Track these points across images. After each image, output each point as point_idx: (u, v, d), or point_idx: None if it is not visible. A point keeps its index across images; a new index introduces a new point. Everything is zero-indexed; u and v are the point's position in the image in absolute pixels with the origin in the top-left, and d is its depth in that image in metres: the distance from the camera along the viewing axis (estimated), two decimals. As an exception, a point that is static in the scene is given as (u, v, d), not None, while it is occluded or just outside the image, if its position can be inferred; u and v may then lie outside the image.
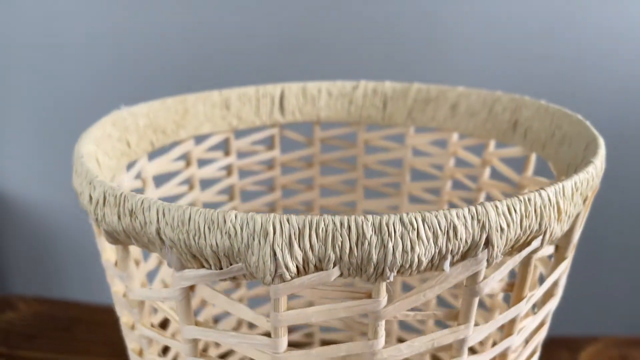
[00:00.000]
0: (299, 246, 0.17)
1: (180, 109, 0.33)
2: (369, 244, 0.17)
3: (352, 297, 0.19)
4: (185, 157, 0.35)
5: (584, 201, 0.21)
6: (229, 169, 0.37)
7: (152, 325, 0.23)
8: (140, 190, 0.32)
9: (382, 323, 0.19)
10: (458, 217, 0.18)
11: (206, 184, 0.36)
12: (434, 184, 0.37)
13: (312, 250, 0.17)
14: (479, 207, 0.18)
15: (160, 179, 0.33)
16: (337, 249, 0.17)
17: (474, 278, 0.19)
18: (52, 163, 0.72)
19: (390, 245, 0.17)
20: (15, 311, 0.52)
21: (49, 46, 0.63)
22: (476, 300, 0.19)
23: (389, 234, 0.17)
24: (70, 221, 0.76)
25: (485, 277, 0.19)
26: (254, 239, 0.17)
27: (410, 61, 0.61)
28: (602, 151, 0.23)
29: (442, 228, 0.17)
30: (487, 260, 0.18)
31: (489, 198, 0.35)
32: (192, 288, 0.20)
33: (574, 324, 0.63)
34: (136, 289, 0.22)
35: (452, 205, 0.37)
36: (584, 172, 0.21)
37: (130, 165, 0.30)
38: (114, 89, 0.64)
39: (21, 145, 0.74)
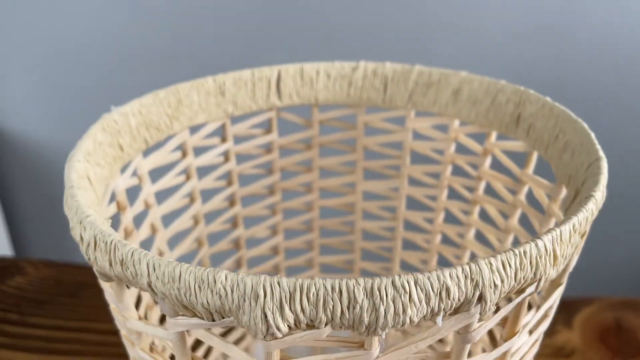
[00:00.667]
0: (290, 309, 0.17)
1: (173, 100, 0.32)
2: (361, 307, 0.17)
3: (345, 346, 0.19)
4: (181, 148, 0.34)
5: (582, 236, 0.21)
6: (226, 155, 0.36)
7: (152, 350, 0.23)
8: (137, 188, 0.32)
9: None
10: (451, 277, 0.17)
11: (204, 171, 0.36)
12: (434, 168, 0.37)
13: (304, 313, 0.17)
14: (473, 266, 0.18)
15: (157, 172, 0.33)
16: (329, 312, 0.17)
17: (466, 328, 0.19)
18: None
19: (382, 308, 0.17)
20: (24, 276, 0.53)
21: None
22: (468, 347, 0.20)
23: (381, 298, 0.17)
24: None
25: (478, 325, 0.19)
26: (244, 300, 0.17)
27: (411, 43, 0.59)
28: (604, 178, 0.22)
29: (435, 290, 0.17)
30: (480, 313, 0.18)
31: (489, 188, 0.34)
32: (187, 330, 0.20)
33: (569, 286, 0.64)
34: (133, 321, 0.22)
35: (451, 191, 0.37)
36: (583, 210, 0.20)
37: (125, 166, 0.30)
38: (115, 31, 0.63)
39: (31, 86, 0.73)
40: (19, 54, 0.73)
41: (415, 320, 0.18)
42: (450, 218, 0.37)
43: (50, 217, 0.92)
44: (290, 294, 0.17)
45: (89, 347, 0.45)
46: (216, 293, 0.18)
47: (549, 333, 0.48)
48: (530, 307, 0.23)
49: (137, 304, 0.31)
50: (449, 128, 0.35)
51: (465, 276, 0.17)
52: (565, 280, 0.23)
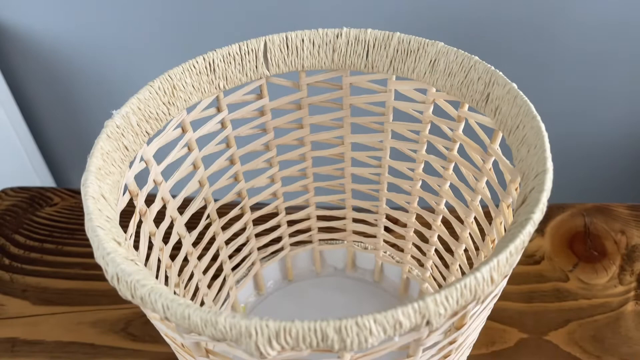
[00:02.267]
0: (277, 342, 0.22)
1: (167, 88, 0.35)
2: (332, 340, 0.22)
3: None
4: (180, 125, 0.37)
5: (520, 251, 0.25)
6: (222, 123, 0.39)
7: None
8: (145, 171, 0.35)
9: (349, 369, 0.25)
10: (403, 314, 0.22)
11: (203, 140, 0.39)
12: (414, 126, 0.40)
13: (288, 344, 0.22)
14: (421, 303, 0.22)
15: (161, 152, 0.36)
16: (307, 344, 0.22)
17: (418, 339, 0.24)
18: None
19: (349, 340, 0.22)
20: (53, 206, 0.59)
21: None
22: (421, 349, 0.25)
23: (347, 334, 0.22)
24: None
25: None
26: (241, 336, 0.22)
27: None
28: (545, 195, 0.26)
29: (390, 324, 0.22)
30: (429, 331, 0.23)
31: (462, 151, 0.37)
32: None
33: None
34: (157, 322, 0.27)
35: (430, 146, 0.40)
36: (520, 235, 0.24)
37: (132, 161, 0.33)
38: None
39: None
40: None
41: (376, 344, 0.23)
42: (429, 169, 0.41)
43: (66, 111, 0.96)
44: (276, 333, 0.22)
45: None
46: (218, 330, 0.22)
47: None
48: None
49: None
50: (428, 92, 0.37)
51: (415, 312, 0.22)
52: (508, 274, 0.28)
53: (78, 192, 0.60)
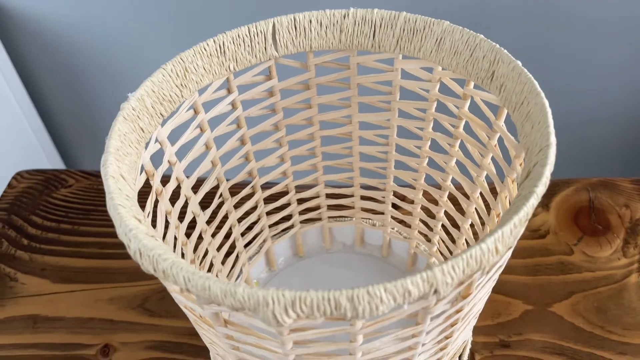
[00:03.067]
0: (293, 311, 0.23)
1: (180, 70, 0.36)
2: (345, 308, 0.23)
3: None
4: (192, 107, 0.38)
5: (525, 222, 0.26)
6: (233, 104, 0.40)
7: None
8: (160, 152, 0.36)
9: (360, 336, 0.26)
10: (412, 283, 0.23)
11: (215, 121, 0.40)
12: (421, 104, 0.41)
13: (303, 313, 0.24)
14: (429, 273, 0.23)
15: (174, 133, 0.37)
16: (321, 312, 0.23)
17: (426, 307, 0.25)
18: None
19: (360, 308, 0.23)
20: (68, 187, 0.60)
21: None
22: (429, 316, 0.26)
23: (359, 302, 0.23)
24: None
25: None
26: (258, 305, 0.23)
27: None
28: (548, 170, 0.27)
29: (400, 293, 0.23)
30: (437, 299, 0.24)
31: (468, 128, 0.38)
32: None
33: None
34: (176, 294, 0.29)
35: (437, 124, 0.41)
36: (524, 208, 0.25)
37: (147, 142, 0.35)
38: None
39: None
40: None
41: (386, 312, 0.24)
42: (436, 147, 0.42)
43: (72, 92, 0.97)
44: (292, 302, 0.23)
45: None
46: (237, 300, 0.24)
47: (529, 218, 0.54)
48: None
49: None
50: (434, 70, 0.38)
51: (423, 281, 0.23)
52: (514, 243, 0.29)
53: (92, 174, 0.61)
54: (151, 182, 0.35)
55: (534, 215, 0.55)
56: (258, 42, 0.38)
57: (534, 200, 0.25)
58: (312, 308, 0.23)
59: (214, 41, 0.37)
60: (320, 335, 0.26)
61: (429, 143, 0.42)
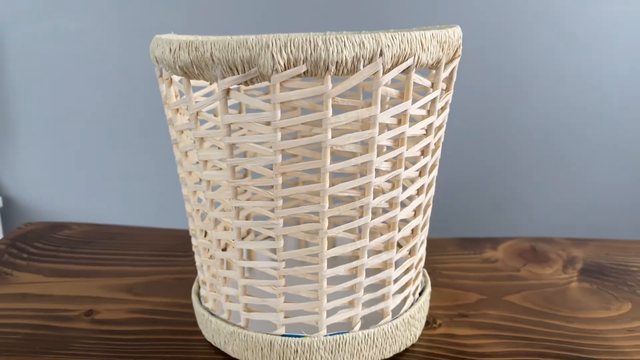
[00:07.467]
0: (285, 50, 0.34)
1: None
2: (319, 48, 0.34)
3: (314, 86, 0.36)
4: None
5: (442, 50, 0.38)
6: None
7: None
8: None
9: (330, 100, 0.36)
10: (365, 37, 0.35)
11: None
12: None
13: (292, 53, 0.34)
14: (375, 34, 0.35)
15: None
16: (303, 52, 0.34)
17: (377, 75, 0.36)
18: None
19: (330, 48, 0.34)
20: (71, 230, 0.67)
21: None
22: (380, 90, 0.36)
23: (330, 42, 0.34)
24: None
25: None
26: (261, 48, 0.34)
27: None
28: (458, 30, 0.40)
29: (357, 42, 0.34)
30: (382, 65, 0.35)
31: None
32: (228, 93, 0.37)
33: (496, 228, 0.79)
34: (193, 104, 0.39)
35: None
36: (442, 31, 0.38)
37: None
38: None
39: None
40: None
41: (349, 60, 0.34)
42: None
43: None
44: (284, 42, 0.34)
45: (127, 266, 0.59)
46: (247, 48, 0.34)
47: (479, 252, 0.62)
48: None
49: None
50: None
51: (372, 38, 0.35)
52: (449, 89, 0.40)
53: (94, 225, 0.69)
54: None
55: (483, 252, 0.62)
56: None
57: (446, 33, 0.38)
58: (299, 48, 0.34)
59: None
60: (302, 97, 0.36)
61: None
